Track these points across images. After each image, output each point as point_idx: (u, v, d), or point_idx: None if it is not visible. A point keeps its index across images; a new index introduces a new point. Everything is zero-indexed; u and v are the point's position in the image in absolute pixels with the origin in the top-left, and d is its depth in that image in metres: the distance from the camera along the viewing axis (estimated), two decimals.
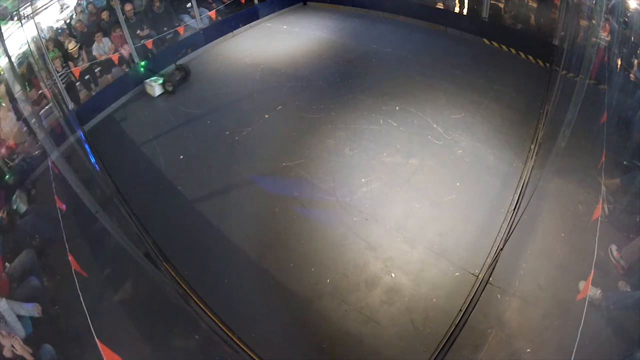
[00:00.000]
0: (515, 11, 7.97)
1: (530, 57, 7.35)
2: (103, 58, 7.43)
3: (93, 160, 6.06)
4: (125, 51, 7.63)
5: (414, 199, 4.89)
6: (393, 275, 4.12)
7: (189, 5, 8.84)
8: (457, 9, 8.82)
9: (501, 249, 4.13)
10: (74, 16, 7.50)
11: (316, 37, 9.02)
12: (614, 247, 3.78)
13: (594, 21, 6.31)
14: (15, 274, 3.86)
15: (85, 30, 7.40)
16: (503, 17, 8.02)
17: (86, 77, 7.33)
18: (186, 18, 8.89)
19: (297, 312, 3.94)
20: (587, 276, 3.42)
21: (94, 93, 7.42)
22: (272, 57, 8.37)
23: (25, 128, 5.95)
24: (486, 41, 8.03)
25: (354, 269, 4.22)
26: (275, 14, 10.41)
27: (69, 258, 3.77)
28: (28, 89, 6.21)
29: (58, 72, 6.70)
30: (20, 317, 3.42)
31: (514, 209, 4.57)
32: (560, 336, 3.41)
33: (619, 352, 3.23)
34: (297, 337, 3.77)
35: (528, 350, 3.40)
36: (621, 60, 5.73)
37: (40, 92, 6.41)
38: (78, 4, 7.53)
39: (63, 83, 6.80)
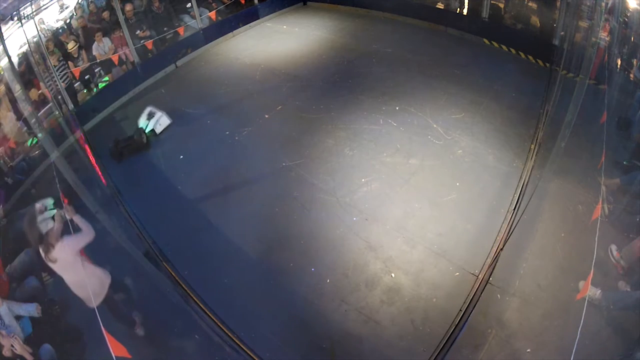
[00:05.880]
0: (515, 11, 7.96)
1: (530, 57, 7.35)
2: (103, 58, 7.43)
3: (93, 160, 6.06)
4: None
5: (414, 199, 4.89)
6: (393, 275, 4.12)
7: (189, 5, 8.84)
8: (457, 9, 8.81)
9: (501, 249, 4.13)
10: (74, 16, 7.50)
11: (316, 37, 9.02)
12: (614, 247, 3.79)
13: (594, 21, 6.32)
14: (15, 274, 3.86)
15: (86, 26, 7.38)
16: (503, 17, 8.01)
17: (86, 77, 7.33)
18: (186, 18, 8.89)
19: (297, 312, 3.94)
20: (587, 276, 3.42)
21: (94, 93, 7.42)
22: (272, 57, 8.37)
23: (25, 128, 5.96)
24: (486, 41, 8.02)
25: (354, 269, 4.22)
26: (275, 14, 10.40)
27: None
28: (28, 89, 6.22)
29: (58, 72, 6.70)
30: (20, 317, 3.43)
31: (514, 209, 4.57)
32: (560, 336, 3.41)
33: (619, 352, 3.23)
34: (297, 337, 3.76)
35: (528, 350, 3.40)
36: (621, 60, 5.74)
37: (40, 92, 6.41)
38: (78, 4, 7.52)
39: (63, 82, 6.80)
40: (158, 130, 6.50)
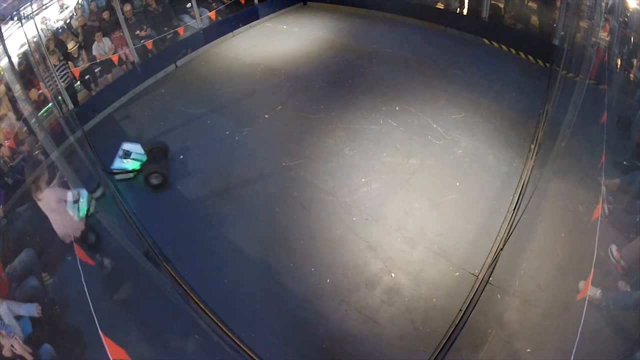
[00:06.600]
0: (515, 11, 7.97)
1: (530, 57, 7.35)
2: (103, 58, 7.42)
3: (93, 160, 6.05)
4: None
5: (414, 199, 4.89)
6: (393, 275, 4.12)
7: (189, 5, 8.83)
8: (457, 9, 8.81)
9: (501, 249, 4.13)
10: (74, 16, 7.50)
11: (316, 37, 9.02)
12: (614, 247, 3.78)
13: (594, 21, 6.32)
14: (15, 274, 3.86)
15: (86, 25, 7.36)
16: (503, 17, 8.02)
17: (86, 77, 7.33)
18: (186, 18, 8.88)
19: (297, 312, 3.94)
20: (587, 276, 3.43)
21: (94, 93, 7.42)
22: (272, 57, 8.37)
23: (25, 128, 5.95)
24: (486, 41, 8.02)
25: (354, 269, 4.22)
26: (275, 14, 10.40)
27: (75, 248, 3.81)
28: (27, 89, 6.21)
29: (58, 72, 6.69)
30: (20, 317, 3.43)
31: (514, 209, 4.57)
32: (560, 336, 3.41)
33: (619, 352, 3.23)
34: (297, 337, 3.77)
35: (528, 350, 3.40)
36: (621, 60, 5.74)
37: (40, 92, 6.40)
38: (78, 4, 7.52)
39: (63, 82, 6.80)
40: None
